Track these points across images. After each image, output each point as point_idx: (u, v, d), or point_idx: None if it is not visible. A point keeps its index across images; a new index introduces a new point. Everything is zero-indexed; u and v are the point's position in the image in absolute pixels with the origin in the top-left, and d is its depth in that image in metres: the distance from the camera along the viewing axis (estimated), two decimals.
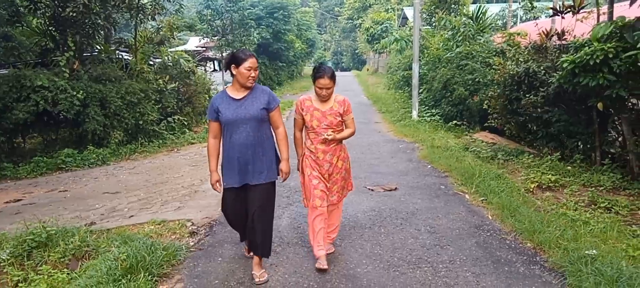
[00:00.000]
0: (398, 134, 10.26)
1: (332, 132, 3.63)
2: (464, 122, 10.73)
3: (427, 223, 4.62)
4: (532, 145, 7.99)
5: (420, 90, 13.20)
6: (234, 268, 3.81)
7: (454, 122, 10.82)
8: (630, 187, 5.80)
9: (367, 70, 42.94)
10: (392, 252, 3.96)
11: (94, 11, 9.85)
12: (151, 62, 12.61)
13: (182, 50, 15.42)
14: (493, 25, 13.46)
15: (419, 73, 12.78)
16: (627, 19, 5.74)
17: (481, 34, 11.94)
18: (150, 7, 11.23)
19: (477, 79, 10.19)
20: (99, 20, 10.30)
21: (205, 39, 22.51)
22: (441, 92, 11.57)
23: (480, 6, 12.75)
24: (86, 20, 10.37)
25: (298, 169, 3.88)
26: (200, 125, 13.20)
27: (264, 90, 3.51)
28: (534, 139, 7.71)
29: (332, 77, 3.59)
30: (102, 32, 11.16)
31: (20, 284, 4.07)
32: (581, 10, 7.33)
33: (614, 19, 6.11)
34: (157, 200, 6.13)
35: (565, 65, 6.16)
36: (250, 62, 3.35)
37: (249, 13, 22.20)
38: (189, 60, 13.76)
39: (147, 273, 3.52)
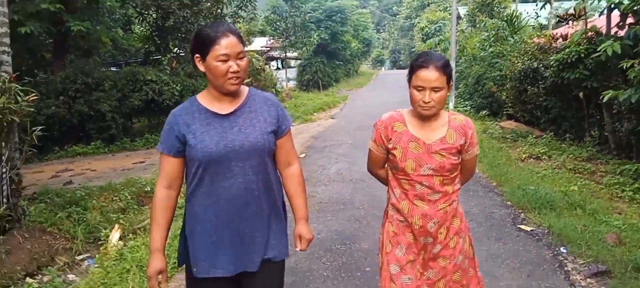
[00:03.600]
0: None
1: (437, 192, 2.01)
2: (492, 112, 12.42)
3: None
4: (542, 129, 9.67)
5: (459, 85, 14.94)
6: None
7: (484, 112, 12.53)
8: (603, 158, 7.46)
9: None
10: None
11: (189, 21, 12.51)
12: None
13: (253, 51, 17.99)
14: (527, 25, 14.84)
15: (456, 70, 14.54)
16: (598, 28, 7.44)
17: (513, 36, 13.49)
18: (230, 17, 13.82)
19: (504, 75, 11.87)
20: (192, 28, 12.96)
21: (271, 40, 25.17)
22: (474, 86, 13.30)
23: (513, 11, 14.29)
24: (182, 28, 13.08)
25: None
26: None
27: (268, 99, 1.95)
28: (540, 123, 9.42)
29: (445, 70, 1.94)
30: None
31: None
32: (580, 19, 8.95)
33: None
34: None
35: (553, 62, 7.93)
36: (227, 44, 1.74)
37: (309, 16, 24.62)
38: (259, 60, 16.29)
39: None
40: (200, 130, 1.81)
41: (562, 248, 3.90)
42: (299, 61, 27.79)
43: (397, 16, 67.42)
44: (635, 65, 6.08)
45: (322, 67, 26.53)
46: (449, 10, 38.47)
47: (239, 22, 14.73)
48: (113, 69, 14.80)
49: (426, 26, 35.83)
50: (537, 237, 4.17)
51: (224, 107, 1.85)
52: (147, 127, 13.53)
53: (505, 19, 14.19)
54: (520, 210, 4.91)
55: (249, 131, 1.84)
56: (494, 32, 13.39)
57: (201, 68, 1.81)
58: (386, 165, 2.17)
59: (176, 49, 13.84)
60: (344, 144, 9.21)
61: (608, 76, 7.32)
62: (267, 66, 18.51)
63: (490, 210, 4.93)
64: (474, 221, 4.61)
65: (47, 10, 10.10)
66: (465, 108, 13.51)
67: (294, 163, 2.00)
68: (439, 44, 21.68)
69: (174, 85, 12.24)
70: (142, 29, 14.73)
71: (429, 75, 1.90)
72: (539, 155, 7.74)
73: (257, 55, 16.44)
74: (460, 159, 2.04)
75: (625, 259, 3.56)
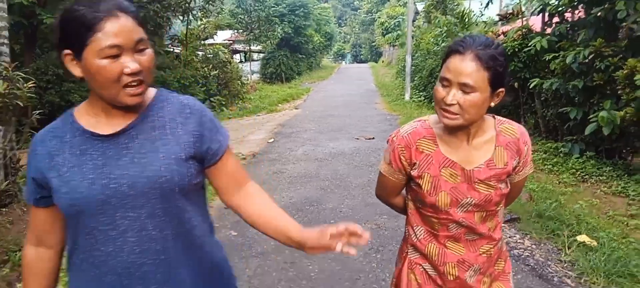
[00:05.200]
0: (389, 110, 13.16)
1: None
2: None
3: None
4: None
5: (415, 78, 16.04)
6: (272, 168, 6.82)
7: None
8: (535, 139, 8.58)
9: (383, 62, 45.60)
10: (363, 163, 6.94)
11: (159, 15, 12.98)
12: (198, 53, 15.75)
13: (218, 44, 18.50)
14: (479, 22, 16.05)
15: (412, 63, 15.63)
16: (530, 25, 8.57)
17: (463, 32, 14.63)
18: (198, 11, 14.37)
19: None
20: (161, 22, 13.43)
21: (235, 33, 25.64)
22: (428, 78, 14.40)
23: (464, 9, 15.48)
24: (150, 22, 13.52)
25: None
26: (234, 106, 16.30)
27: (186, 105, 1.27)
28: None
29: (488, 62, 1.33)
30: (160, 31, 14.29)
31: None
32: (518, 18, 10.09)
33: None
34: None
35: None
36: (116, 29, 1.08)
37: (273, 11, 25.23)
38: (225, 52, 16.86)
39: None
40: (69, 164, 1.14)
41: None
42: (262, 54, 28.36)
43: (359, 11, 68.75)
44: (556, 58, 7.19)
45: (286, 60, 27.21)
46: (406, 6, 39.91)
47: (207, 17, 15.26)
48: None
49: (386, 21, 37.03)
50: None
51: (112, 124, 1.18)
52: None
53: (457, 16, 15.33)
54: None
55: (147, 160, 1.15)
56: (446, 29, 14.48)
57: (76, 71, 1.13)
58: (404, 192, 1.61)
59: None
60: (309, 130, 10.02)
61: (538, 68, 8.44)
62: (232, 59, 19.06)
63: None
64: None
65: (20, 4, 10.40)
66: (419, 99, 14.60)
67: (249, 182, 1.35)
68: (397, 39, 22.84)
69: None
70: None
71: (462, 65, 1.30)
72: None
73: (223, 48, 16.97)
74: (509, 184, 1.48)
75: (531, 210, 4.56)
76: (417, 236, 1.55)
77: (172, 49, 15.36)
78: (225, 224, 4.47)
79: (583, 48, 6.76)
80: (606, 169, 6.27)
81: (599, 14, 6.63)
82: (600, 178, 6.04)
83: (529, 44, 7.96)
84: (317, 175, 6.30)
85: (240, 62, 27.83)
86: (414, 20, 31.99)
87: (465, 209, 1.45)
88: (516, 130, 1.52)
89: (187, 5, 13.85)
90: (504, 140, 1.47)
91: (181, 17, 14.58)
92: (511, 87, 9.34)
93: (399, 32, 23.59)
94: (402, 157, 1.49)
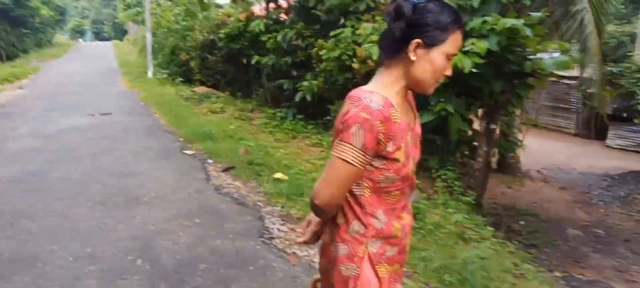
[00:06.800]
0: (131, 88, 12.97)
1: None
2: (187, 79, 14.07)
3: (123, 125, 7.71)
4: (223, 90, 11.79)
5: (158, 55, 16.05)
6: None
7: (180, 79, 14.05)
8: (263, 108, 9.91)
9: (128, 40, 42.98)
10: (97, 135, 6.95)
11: None
12: None
13: None
14: (214, 5, 16.92)
15: (154, 41, 15.61)
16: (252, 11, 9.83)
17: (202, 12, 15.33)
18: None
19: (194, 46, 13.59)
20: None
21: None
22: (170, 56, 14.67)
23: None
24: None
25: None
26: None
27: None
28: (221, 85, 11.53)
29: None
30: None
31: None
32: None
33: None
34: None
35: (223, 35, 9.98)
36: None
37: None
38: None
39: None
40: None
41: (209, 160, 5.70)
42: None
43: None
44: (271, 38, 8.54)
45: (5, 35, 23.33)
46: None
47: None
48: None
49: None
50: (194, 156, 5.88)
51: None
52: None
53: None
54: (188, 143, 6.56)
55: None
56: (185, 8, 14.92)
57: None
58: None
59: None
60: (36, 109, 9.23)
61: (259, 47, 9.76)
62: None
63: (166, 145, 6.45)
64: (152, 151, 6.03)
65: None
66: (163, 76, 14.77)
67: None
68: (138, 15, 22.14)
69: None
70: None
71: (460, 39, 1.34)
72: (217, 110, 9.70)
73: None
74: None
75: (245, 160, 5.57)
76: (381, 221, 1.37)
77: None
78: None
79: (289, 30, 8.24)
80: (310, 128, 7.90)
81: (300, 1, 8.17)
82: (306, 135, 7.59)
83: (251, 26, 9.17)
84: (44, 149, 6.07)
85: None
86: None
87: (414, 172, 1.42)
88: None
89: None
90: (409, 97, 1.47)
91: None
92: (242, 64, 10.53)
93: (139, 8, 22.80)
94: (382, 133, 1.26)
